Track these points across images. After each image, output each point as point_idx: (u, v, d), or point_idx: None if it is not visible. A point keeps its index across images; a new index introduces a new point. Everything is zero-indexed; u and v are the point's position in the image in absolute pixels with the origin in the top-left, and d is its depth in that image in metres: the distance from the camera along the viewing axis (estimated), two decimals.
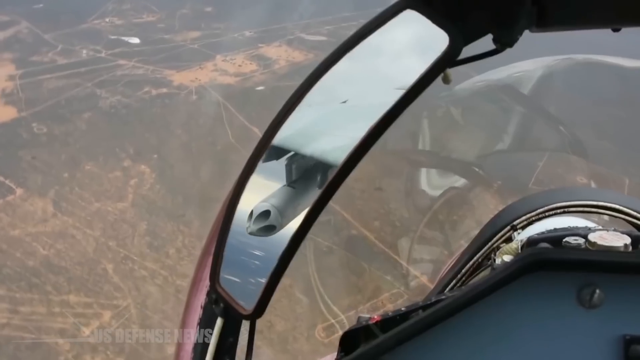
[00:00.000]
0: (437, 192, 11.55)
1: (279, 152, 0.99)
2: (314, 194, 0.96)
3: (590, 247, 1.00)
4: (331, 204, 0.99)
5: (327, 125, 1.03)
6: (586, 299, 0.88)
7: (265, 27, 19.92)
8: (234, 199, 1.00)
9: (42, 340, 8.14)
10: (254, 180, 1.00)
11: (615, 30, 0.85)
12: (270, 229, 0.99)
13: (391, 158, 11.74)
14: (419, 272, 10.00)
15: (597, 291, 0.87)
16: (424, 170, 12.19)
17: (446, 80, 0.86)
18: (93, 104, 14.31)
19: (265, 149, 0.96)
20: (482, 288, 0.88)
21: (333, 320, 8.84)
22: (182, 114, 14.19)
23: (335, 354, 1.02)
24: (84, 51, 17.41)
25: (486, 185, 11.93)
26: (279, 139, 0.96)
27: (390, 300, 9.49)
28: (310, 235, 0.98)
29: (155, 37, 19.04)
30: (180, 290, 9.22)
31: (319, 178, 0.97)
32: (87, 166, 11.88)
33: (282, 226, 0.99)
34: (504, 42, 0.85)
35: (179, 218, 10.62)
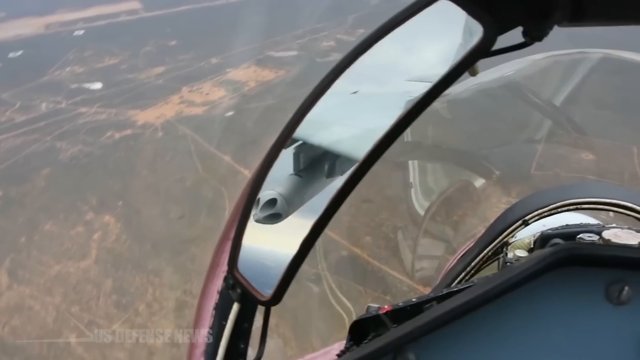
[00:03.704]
0: (431, 195, 10.63)
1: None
2: (321, 183, 0.98)
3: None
4: None
5: (339, 115, 0.98)
6: (614, 295, 0.88)
7: (232, 51, 19.28)
8: (255, 185, 0.96)
9: None
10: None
11: None
12: (276, 217, 0.99)
13: (376, 164, 10.71)
14: (421, 285, 8.96)
15: (626, 288, 0.87)
16: (414, 170, 11.16)
17: (473, 72, 0.83)
18: (52, 158, 13.47)
19: (288, 139, 0.91)
20: (512, 280, 0.87)
21: None
22: (148, 154, 13.30)
23: (344, 342, 1.01)
24: (44, 104, 16.72)
25: (486, 176, 10.97)
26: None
27: None
28: None
29: (118, 79, 18.40)
30: (154, 352, 8.11)
31: (326, 167, 0.99)
32: (46, 226, 10.92)
33: (288, 214, 0.98)
34: (534, 35, 0.81)
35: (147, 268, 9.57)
